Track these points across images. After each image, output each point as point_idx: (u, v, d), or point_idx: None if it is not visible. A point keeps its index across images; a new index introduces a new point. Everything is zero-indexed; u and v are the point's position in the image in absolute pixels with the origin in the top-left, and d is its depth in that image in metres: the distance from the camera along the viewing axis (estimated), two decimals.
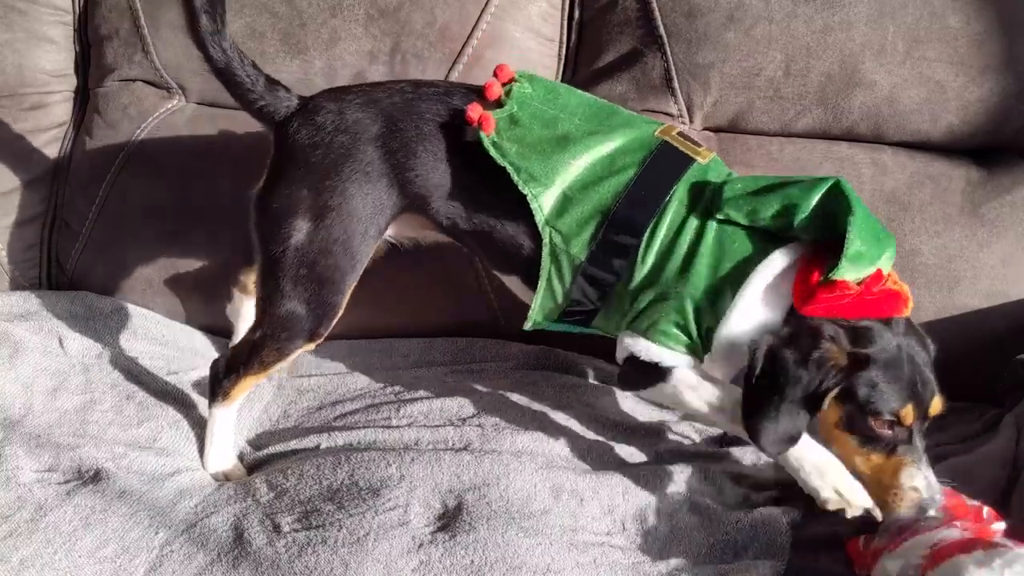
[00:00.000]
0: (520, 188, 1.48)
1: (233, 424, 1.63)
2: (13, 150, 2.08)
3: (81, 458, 1.50)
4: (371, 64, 1.98)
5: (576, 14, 2.02)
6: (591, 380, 1.84)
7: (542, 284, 1.52)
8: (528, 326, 1.57)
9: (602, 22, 1.97)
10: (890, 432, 1.34)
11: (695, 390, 1.46)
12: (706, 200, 1.47)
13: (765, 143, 1.93)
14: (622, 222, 1.47)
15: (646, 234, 1.46)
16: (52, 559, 1.31)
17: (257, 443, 1.68)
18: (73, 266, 2.07)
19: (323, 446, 1.61)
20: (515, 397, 1.74)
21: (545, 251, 1.50)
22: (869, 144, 1.91)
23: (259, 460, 1.63)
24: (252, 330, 1.58)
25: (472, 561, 1.31)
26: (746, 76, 1.88)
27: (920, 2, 1.83)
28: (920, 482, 1.32)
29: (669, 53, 1.90)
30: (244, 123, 2.04)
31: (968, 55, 1.83)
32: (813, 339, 1.34)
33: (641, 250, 1.47)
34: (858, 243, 1.35)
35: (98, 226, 2.04)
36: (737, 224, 1.44)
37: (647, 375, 1.49)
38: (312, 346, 1.59)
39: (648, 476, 1.51)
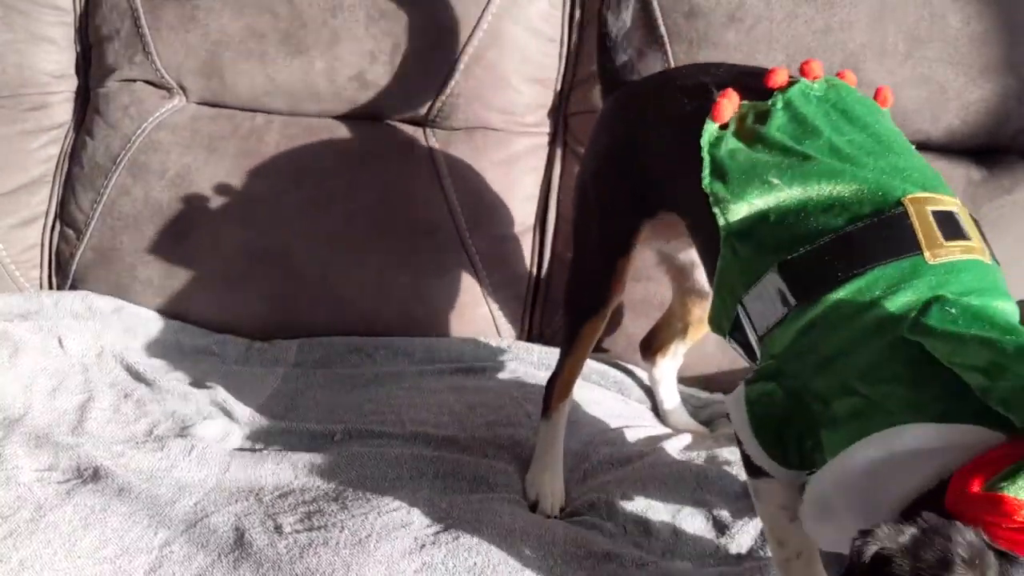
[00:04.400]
0: (703, 182, 1.23)
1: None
2: (13, 150, 2.08)
3: (80, 456, 1.50)
4: (371, 64, 1.98)
5: (576, 14, 2.01)
6: (586, 378, 1.84)
7: (713, 290, 1.26)
8: (707, 328, 1.36)
9: None
10: None
11: (777, 512, 1.16)
12: (892, 306, 1.04)
13: None
14: (789, 278, 1.13)
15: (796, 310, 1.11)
16: (52, 560, 1.30)
17: (262, 432, 1.67)
18: (73, 266, 2.07)
19: (337, 437, 1.61)
20: (512, 396, 1.73)
21: (720, 263, 1.22)
22: None
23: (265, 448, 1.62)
24: None
25: (475, 563, 1.30)
26: None
27: (920, 2, 1.83)
28: None
29: (670, 53, 1.89)
30: (244, 123, 2.05)
31: (968, 55, 1.83)
32: (943, 560, 0.84)
33: (788, 320, 1.12)
34: None
35: (98, 226, 2.04)
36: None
37: (744, 458, 1.18)
38: (600, 322, 1.51)
39: (650, 474, 1.51)
